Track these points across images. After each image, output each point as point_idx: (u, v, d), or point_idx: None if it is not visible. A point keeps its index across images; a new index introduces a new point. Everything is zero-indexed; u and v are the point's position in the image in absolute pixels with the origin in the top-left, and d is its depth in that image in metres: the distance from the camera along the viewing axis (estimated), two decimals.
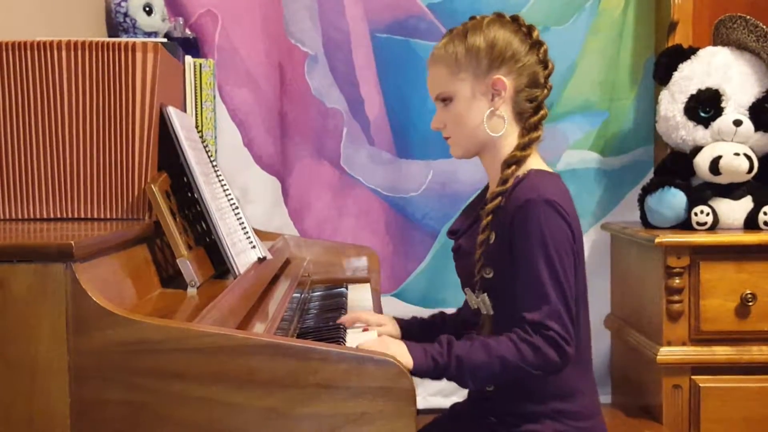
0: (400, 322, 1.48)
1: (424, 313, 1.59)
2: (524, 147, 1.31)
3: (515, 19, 1.35)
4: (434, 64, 1.36)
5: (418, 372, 1.20)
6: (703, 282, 1.87)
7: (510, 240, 1.25)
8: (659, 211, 1.98)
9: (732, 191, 1.98)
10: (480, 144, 1.34)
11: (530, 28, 1.34)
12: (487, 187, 1.43)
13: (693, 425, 1.87)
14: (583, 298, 1.31)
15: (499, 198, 1.28)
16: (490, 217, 1.28)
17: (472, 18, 1.37)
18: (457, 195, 2.28)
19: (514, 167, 1.30)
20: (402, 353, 1.19)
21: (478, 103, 1.32)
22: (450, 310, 1.53)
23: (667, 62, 2.09)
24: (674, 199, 1.95)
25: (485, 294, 1.30)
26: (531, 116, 1.32)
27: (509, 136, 1.33)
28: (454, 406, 1.47)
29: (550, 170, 1.33)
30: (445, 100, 1.34)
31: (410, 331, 1.47)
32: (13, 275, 0.90)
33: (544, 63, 1.33)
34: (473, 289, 1.32)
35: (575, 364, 1.29)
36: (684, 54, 2.08)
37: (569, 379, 1.28)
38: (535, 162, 1.32)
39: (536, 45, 1.33)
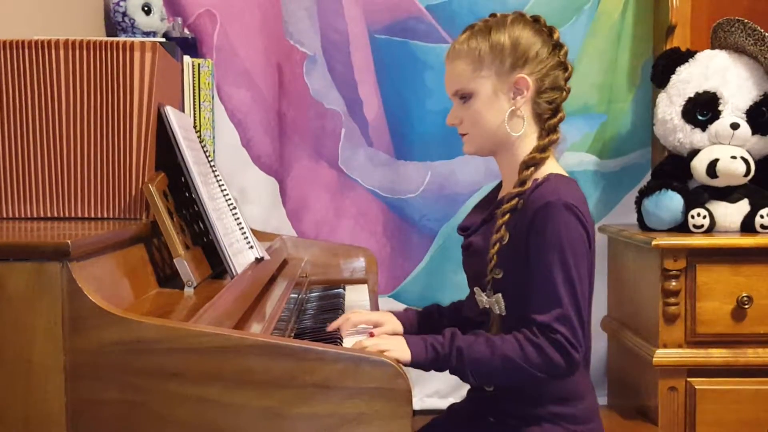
0: (398, 316, 1.47)
1: None
2: (543, 149, 1.30)
3: (537, 20, 1.34)
4: (454, 60, 1.33)
5: (418, 364, 1.20)
6: (699, 285, 1.87)
7: (526, 242, 1.24)
8: (656, 214, 1.98)
9: (729, 194, 1.98)
10: (497, 143, 1.33)
11: (551, 30, 1.33)
12: (499, 186, 1.42)
13: (688, 427, 1.88)
14: (590, 302, 1.31)
15: (517, 199, 1.27)
16: (507, 217, 1.27)
17: (493, 15, 1.35)
18: (455, 196, 2.28)
19: (532, 169, 1.29)
20: (399, 347, 1.19)
21: (499, 101, 1.30)
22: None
23: (665, 65, 2.10)
24: (671, 201, 1.96)
25: (499, 294, 1.29)
26: (550, 118, 1.31)
27: (527, 137, 1.32)
28: (452, 406, 1.47)
29: (567, 175, 1.32)
30: (464, 96, 1.32)
31: (409, 324, 1.46)
32: (9, 274, 0.90)
33: (564, 65, 1.32)
34: (483, 289, 1.32)
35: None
36: (682, 57, 2.08)
37: (568, 383, 1.27)
38: (552, 166, 1.32)
39: (558, 47, 1.32)
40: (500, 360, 1.19)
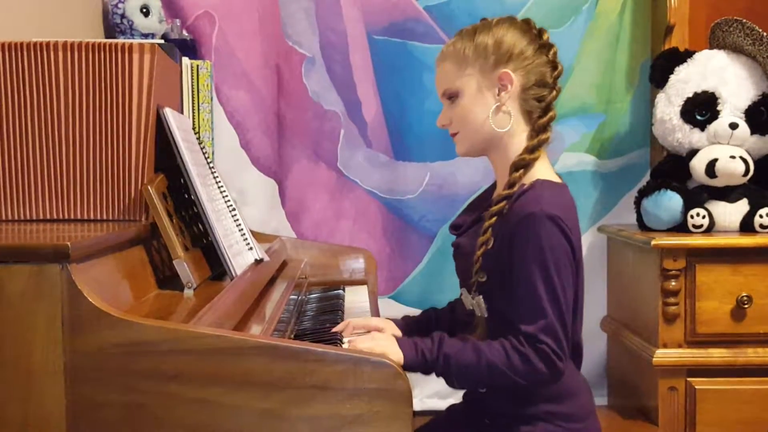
0: (397, 324, 1.48)
1: None
2: (533, 150, 1.30)
3: (526, 22, 1.35)
4: (442, 62, 1.36)
5: (408, 366, 1.21)
6: (698, 284, 1.87)
7: (509, 251, 1.24)
8: (655, 214, 1.98)
9: (728, 194, 1.98)
10: (486, 141, 1.33)
11: (541, 31, 1.35)
12: (493, 186, 1.42)
13: (689, 427, 1.88)
14: (581, 305, 1.31)
15: (504, 202, 1.27)
16: (493, 220, 1.27)
17: (483, 19, 1.37)
18: (454, 197, 2.28)
19: (522, 171, 1.29)
20: (392, 349, 1.20)
21: (484, 98, 1.31)
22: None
23: (663, 65, 2.10)
24: (670, 201, 1.96)
25: (481, 297, 1.30)
26: (540, 117, 1.32)
27: (517, 136, 1.32)
28: (451, 407, 1.48)
29: (557, 180, 1.32)
30: (452, 96, 1.34)
31: (408, 333, 1.46)
32: (8, 276, 0.90)
33: (554, 64, 1.33)
34: (469, 291, 1.33)
35: (571, 367, 1.29)
36: (680, 57, 2.09)
37: (563, 382, 1.28)
38: (543, 170, 1.31)
39: (546, 46, 1.33)
40: (486, 367, 1.20)
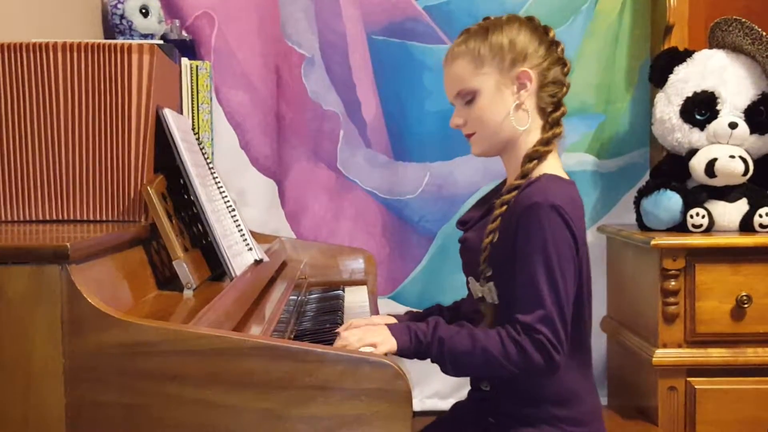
0: (399, 318, 1.48)
1: None
2: (547, 142, 1.31)
3: (531, 20, 1.36)
4: (453, 62, 1.34)
5: (403, 352, 1.20)
6: (698, 284, 1.87)
7: (513, 241, 1.24)
8: (655, 214, 1.98)
9: (727, 194, 1.98)
10: (504, 140, 1.33)
11: (546, 29, 1.36)
12: (502, 183, 1.42)
13: (688, 427, 1.88)
14: (588, 305, 1.31)
15: (516, 191, 1.27)
16: (504, 208, 1.27)
17: (487, 18, 1.37)
18: (454, 197, 2.29)
19: (535, 162, 1.30)
20: (382, 337, 1.19)
21: (503, 97, 1.31)
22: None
23: (662, 65, 2.10)
24: (670, 201, 1.96)
25: (491, 283, 1.29)
26: (552, 112, 1.33)
27: (531, 132, 1.33)
28: (456, 405, 1.47)
29: (565, 176, 1.32)
30: (467, 96, 1.33)
31: None
32: (8, 277, 0.90)
33: (563, 61, 1.34)
34: (477, 279, 1.32)
35: (576, 369, 1.29)
36: (680, 57, 2.09)
37: (568, 384, 1.28)
38: (553, 165, 1.32)
39: (554, 44, 1.34)
40: (480, 353, 1.19)
